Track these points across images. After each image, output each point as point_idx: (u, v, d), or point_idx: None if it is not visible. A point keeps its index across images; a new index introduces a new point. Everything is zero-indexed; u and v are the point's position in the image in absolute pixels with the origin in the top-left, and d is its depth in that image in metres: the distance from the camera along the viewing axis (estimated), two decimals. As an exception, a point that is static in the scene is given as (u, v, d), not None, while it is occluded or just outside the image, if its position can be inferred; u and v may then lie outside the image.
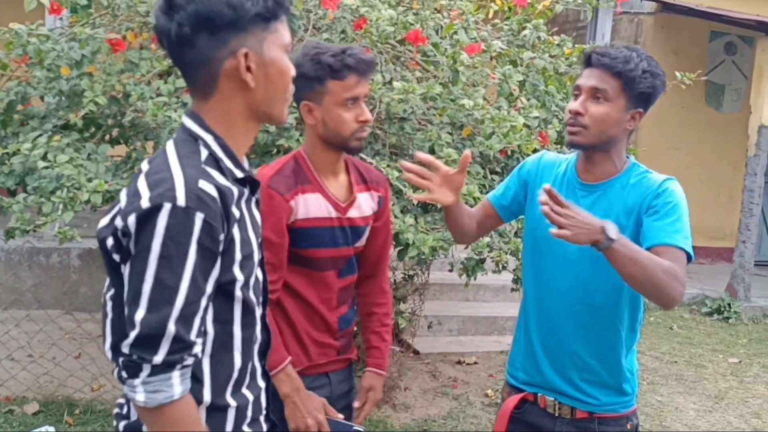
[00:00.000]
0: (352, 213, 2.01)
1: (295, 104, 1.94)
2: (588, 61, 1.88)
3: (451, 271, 3.54)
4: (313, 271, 1.98)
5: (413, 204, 3.09)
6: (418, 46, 3.25)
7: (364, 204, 2.04)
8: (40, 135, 3.06)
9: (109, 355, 1.28)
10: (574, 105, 1.87)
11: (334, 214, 1.97)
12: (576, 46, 3.92)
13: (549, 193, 1.69)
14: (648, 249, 1.75)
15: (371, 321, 2.15)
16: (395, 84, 3.12)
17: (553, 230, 1.70)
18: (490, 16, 3.87)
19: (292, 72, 1.34)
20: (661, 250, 1.74)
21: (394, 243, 3.12)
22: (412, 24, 3.20)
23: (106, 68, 3.15)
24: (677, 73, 3.84)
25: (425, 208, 3.23)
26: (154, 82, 3.20)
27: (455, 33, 3.30)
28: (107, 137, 3.40)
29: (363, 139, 1.95)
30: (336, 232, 1.97)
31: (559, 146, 3.66)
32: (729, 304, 6.85)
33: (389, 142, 3.34)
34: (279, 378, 1.90)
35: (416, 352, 4.95)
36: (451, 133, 3.35)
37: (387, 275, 2.20)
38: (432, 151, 3.26)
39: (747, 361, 5.66)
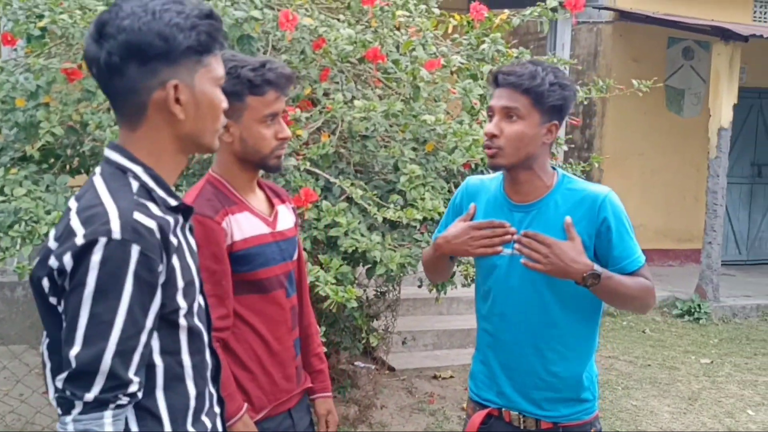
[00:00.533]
0: (280, 226, 1.94)
1: None
2: (496, 82, 1.89)
3: (420, 287, 3.54)
4: (263, 295, 1.89)
5: (380, 221, 3.08)
6: (378, 64, 3.26)
7: (286, 216, 1.99)
8: (-3, 168, 3.00)
9: (52, 399, 1.25)
10: (489, 127, 1.88)
11: (266, 229, 1.90)
12: (535, 57, 3.96)
13: (527, 236, 1.79)
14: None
15: (309, 343, 2.08)
16: (356, 102, 3.12)
17: (527, 261, 1.79)
18: (450, 31, 3.90)
19: (224, 105, 1.33)
20: (633, 277, 1.90)
21: (362, 261, 3.12)
22: (370, 42, 3.21)
23: (63, 98, 3.11)
24: (634, 81, 3.90)
25: (393, 225, 3.24)
26: (112, 110, 3.16)
27: (413, 50, 3.32)
28: (67, 167, 3.35)
29: (281, 157, 1.89)
30: (274, 248, 1.90)
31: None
32: (699, 305, 6.94)
33: (353, 160, 3.34)
34: (236, 427, 1.80)
35: (391, 369, 4.93)
36: (414, 149, 3.36)
37: (308, 291, 2.14)
38: (396, 168, 3.26)
39: (719, 361, 5.74)
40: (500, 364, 1.98)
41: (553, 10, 3.77)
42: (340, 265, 2.88)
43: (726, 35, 6.88)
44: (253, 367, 1.89)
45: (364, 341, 4.11)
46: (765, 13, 8.80)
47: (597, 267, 1.83)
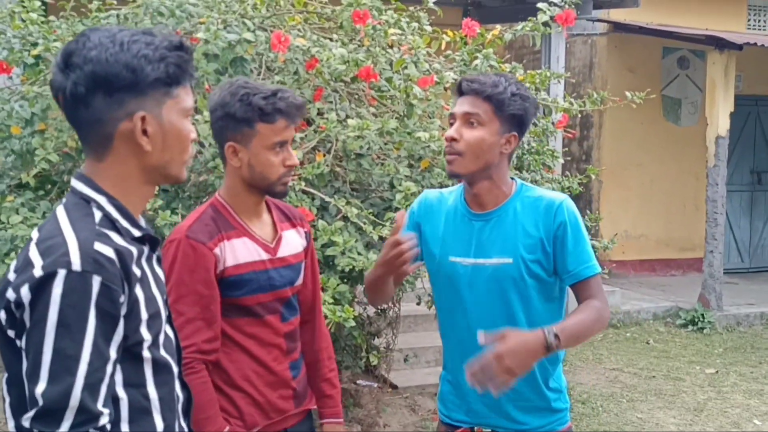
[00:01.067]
0: (282, 251, 1.95)
1: (218, 143, 1.91)
2: (460, 90, 1.93)
3: (418, 304, 3.53)
4: (254, 319, 1.90)
5: (376, 239, 3.08)
6: (371, 82, 3.27)
7: (293, 241, 1.99)
8: (-7, 196, 3.01)
9: None
10: (449, 131, 1.91)
11: (264, 255, 1.90)
12: (528, 72, 3.98)
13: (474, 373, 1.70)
14: (572, 285, 1.93)
15: (319, 368, 2.08)
16: (350, 121, 3.13)
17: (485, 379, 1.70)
18: (443, 47, 3.92)
19: (193, 135, 1.33)
20: (583, 285, 1.92)
21: (360, 280, 3.11)
22: (363, 61, 3.22)
23: (58, 125, 3.12)
24: (628, 93, 3.91)
25: (390, 242, 3.23)
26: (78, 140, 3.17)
27: (406, 67, 3.33)
28: (63, 194, 3.36)
29: (288, 184, 1.92)
30: (270, 275, 1.91)
31: (518, 171, 3.70)
32: (702, 315, 6.91)
33: (348, 179, 3.34)
34: None
35: (394, 387, 4.90)
36: (410, 166, 3.37)
37: (322, 316, 2.15)
38: (392, 185, 3.27)
39: (724, 371, 5.70)
40: (459, 384, 1.96)
41: (545, 24, 3.79)
42: (338, 285, 2.88)
43: (720, 44, 6.91)
44: (245, 386, 1.90)
45: (365, 360, 4.09)
46: (759, 21, 8.84)
47: (547, 328, 1.74)
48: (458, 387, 2.00)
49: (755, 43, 6.86)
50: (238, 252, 1.87)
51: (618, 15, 7.93)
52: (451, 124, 1.93)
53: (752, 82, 8.64)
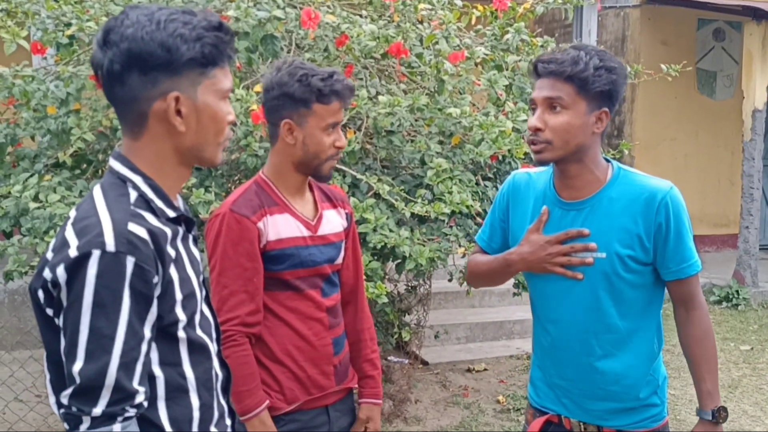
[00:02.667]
0: (323, 230, 1.98)
1: (270, 122, 1.93)
2: (536, 72, 1.76)
3: (450, 281, 3.53)
4: (295, 293, 1.93)
5: (408, 216, 3.08)
6: (401, 59, 3.26)
7: (333, 220, 2.02)
8: (31, 175, 3.07)
9: (55, 410, 1.25)
10: (531, 121, 1.77)
11: (306, 232, 1.94)
12: (560, 45, 3.92)
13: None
14: (669, 281, 1.83)
15: (361, 348, 2.09)
16: (380, 98, 3.12)
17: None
18: (473, 22, 3.88)
19: (230, 118, 1.32)
20: (682, 284, 1.83)
21: (392, 256, 3.12)
22: (393, 37, 3.20)
23: (93, 104, 3.17)
24: (663, 66, 3.83)
25: (421, 219, 3.23)
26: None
27: (437, 43, 3.31)
28: (99, 172, 3.41)
29: (333, 167, 1.95)
30: (311, 251, 1.94)
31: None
32: (737, 291, 6.81)
33: (379, 156, 3.34)
34: (252, 423, 1.84)
35: (425, 363, 4.93)
36: (441, 143, 3.35)
37: (365, 297, 2.16)
38: (423, 162, 3.26)
39: (759, 348, 5.62)
40: (557, 372, 1.88)
41: (578, -4, 3.73)
42: (370, 261, 2.89)
43: (758, 14, 6.72)
44: (286, 361, 1.93)
45: (396, 336, 4.12)
46: (798, -10, 8.57)
47: (712, 413, 1.83)
48: (547, 376, 1.91)
49: (794, 13, 6.66)
50: (280, 227, 1.90)
51: (651, -14, 7.75)
52: (533, 110, 1.77)
53: (791, 53, 8.40)
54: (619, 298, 1.79)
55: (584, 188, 1.80)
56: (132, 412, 1.19)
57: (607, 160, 1.85)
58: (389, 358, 4.63)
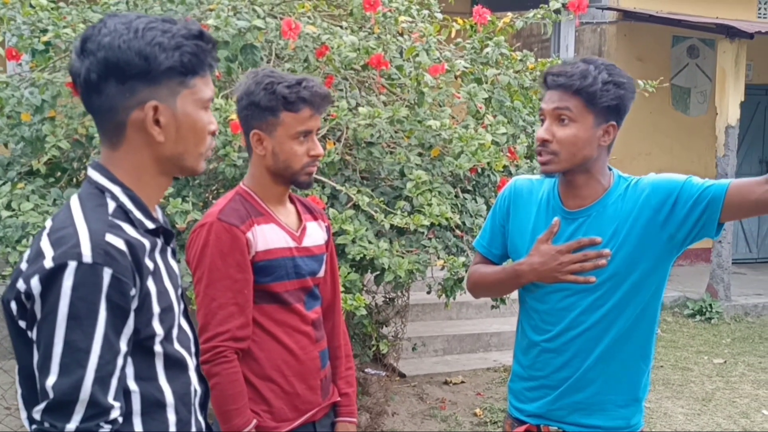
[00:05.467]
0: (307, 242, 1.94)
1: (244, 132, 1.90)
2: (546, 83, 1.78)
3: (428, 293, 3.53)
4: (281, 306, 1.89)
5: (387, 228, 3.07)
6: (381, 70, 3.26)
7: (316, 233, 1.98)
8: (4, 183, 3.02)
9: (27, 425, 1.22)
10: (540, 132, 1.78)
11: (292, 243, 1.90)
12: (539, 60, 3.95)
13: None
14: (728, 189, 1.72)
15: (337, 365, 2.05)
16: (360, 109, 3.12)
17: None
18: (453, 35, 3.89)
19: (212, 127, 1.30)
20: (729, 188, 1.72)
21: (370, 268, 3.11)
22: (374, 48, 3.20)
23: (68, 112, 3.12)
24: (640, 82, 3.88)
25: (400, 231, 3.23)
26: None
27: (417, 55, 3.31)
28: (74, 181, 3.36)
29: (312, 174, 1.91)
30: (297, 262, 1.90)
31: (528, 161, 3.68)
32: (710, 305, 6.89)
33: (359, 167, 3.33)
34: None
35: (402, 375, 4.91)
36: (420, 155, 3.35)
37: (341, 312, 2.13)
38: (402, 174, 3.25)
39: (732, 361, 5.69)
40: (549, 374, 1.87)
41: (556, 12, 3.76)
42: (348, 273, 2.87)
43: (731, 33, 6.85)
44: (275, 377, 1.89)
45: (374, 348, 4.10)
46: (770, 9, 8.75)
47: None
48: (533, 385, 1.90)
49: (766, 32, 6.79)
50: (267, 237, 1.86)
51: (627, 3, 7.87)
52: (542, 120, 1.79)
53: (762, 71, 8.57)
54: (617, 304, 1.79)
55: (588, 197, 1.82)
56: (107, 428, 1.16)
57: (610, 169, 1.86)
58: (366, 370, 4.60)
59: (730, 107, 6.91)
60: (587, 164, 1.78)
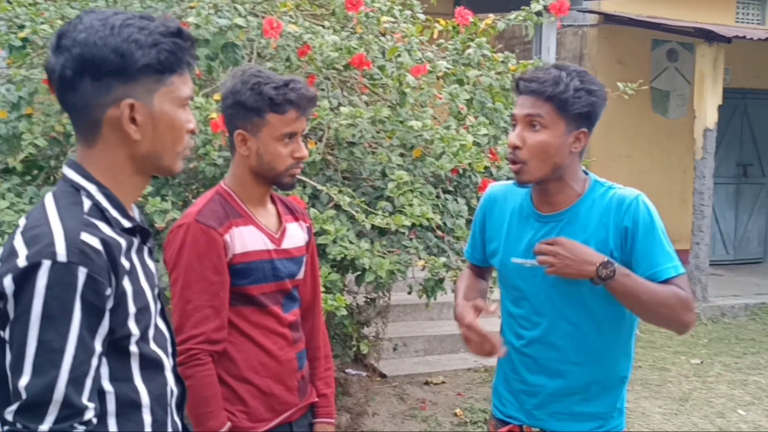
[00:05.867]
0: (286, 244, 1.92)
1: (228, 131, 1.88)
2: (518, 89, 1.79)
3: (409, 293, 3.52)
4: (258, 309, 1.88)
5: (368, 228, 3.07)
6: (364, 70, 3.25)
7: (296, 234, 1.97)
8: (-21, 181, 2.97)
9: None
10: (511, 137, 1.79)
11: (270, 245, 1.88)
12: (521, 62, 3.97)
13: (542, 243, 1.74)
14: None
15: (316, 366, 2.04)
16: (342, 109, 3.11)
17: (540, 259, 1.73)
18: (435, 36, 3.90)
19: (190, 126, 1.29)
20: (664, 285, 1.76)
21: (351, 268, 3.10)
22: (356, 48, 3.20)
23: (45, 109, 3.08)
24: (620, 84, 3.91)
25: (382, 231, 3.22)
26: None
27: (399, 55, 3.31)
28: (51, 179, 3.31)
29: (296, 176, 1.89)
30: (275, 265, 1.88)
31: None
32: (688, 306, 6.95)
33: (340, 167, 3.32)
34: None
35: (383, 376, 4.91)
36: (402, 155, 3.35)
37: (321, 313, 2.12)
38: (384, 174, 3.25)
39: (708, 361, 5.75)
40: (527, 379, 1.89)
41: (538, 14, 3.78)
42: (329, 273, 2.86)
43: (710, 37, 6.93)
44: (251, 378, 1.87)
45: (354, 348, 4.09)
46: (748, 14, 8.87)
47: (612, 262, 1.70)
48: (513, 384, 1.92)
49: (744, 36, 6.88)
50: (246, 239, 1.84)
51: (608, 6, 7.93)
52: (514, 126, 1.79)
53: (740, 75, 8.67)
54: (593, 310, 1.80)
55: (562, 202, 1.83)
56: (81, 428, 1.14)
57: (585, 173, 1.87)
58: (347, 370, 4.60)
59: (708, 110, 6.99)
60: (559, 171, 1.78)
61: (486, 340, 1.78)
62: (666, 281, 1.75)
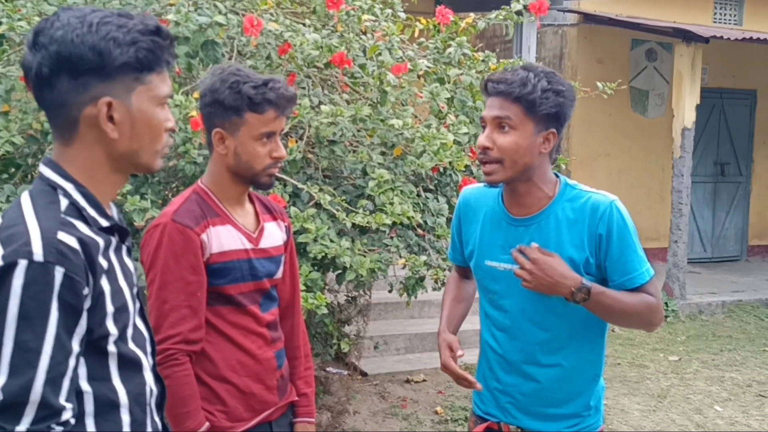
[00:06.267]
0: (264, 243, 1.92)
1: (206, 129, 1.88)
2: (486, 90, 1.80)
3: (390, 291, 3.53)
4: (235, 308, 1.87)
5: (349, 227, 3.07)
6: (344, 69, 3.25)
7: (274, 233, 1.96)
8: (-45, 179, 2.93)
9: None
10: (481, 139, 1.79)
11: (248, 245, 1.88)
12: (501, 61, 3.99)
13: (519, 251, 1.78)
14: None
15: (296, 366, 2.04)
16: (323, 108, 3.11)
17: (517, 272, 1.77)
18: (416, 35, 3.90)
19: (169, 124, 1.28)
20: (634, 292, 1.82)
21: (332, 267, 3.10)
22: (336, 47, 3.19)
23: (22, 106, 3.04)
24: (599, 84, 3.94)
25: (362, 230, 3.22)
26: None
27: (380, 54, 3.31)
28: (28, 177, 3.28)
29: (273, 175, 1.89)
30: (253, 264, 1.88)
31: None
32: (666, 303, 7.03)
33: (321, 165, 3.32)
34: None
35: (364, 374, 4.91)
36: (383, 154, 3.35)
37: (301, 313, 2.12)
38: (364, 173, 3.25)
39: (686, 358, 5.82)
40: (502, 378, 1.92)
41: (518, 13, 3.79)
42: (310, 272, 2.86)
43: (687, 37, 7.00)
44: (230, 377, 1.87)
45: (335, 347, 4.09)
46: (725, 14, 8.98)
47: (586, 281, 1.74)
48: (492, 382, 1.94)
49: (721, 37, 6.96)
50: (222, 239, 1.84)
51: (588, 6, 7.98)
52: (483, 127, 1.80)
53: (717, 74, 8.79)
54: (563, 314, 1.82)
55: (533, 205, 1.84)
56: (58, 429, 1.14)
57: (557, 175, 1.88)
58: (328, 369, 4.60)
59: (686, 110, 7.07)
60: (528, 172, 1.80)
61: (461, 379, 1.88)
62: (637, 288, 1.81)
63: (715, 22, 8.86)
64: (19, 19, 2.99)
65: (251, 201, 1.97)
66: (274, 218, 1.99)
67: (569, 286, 1.74)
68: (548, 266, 1.74)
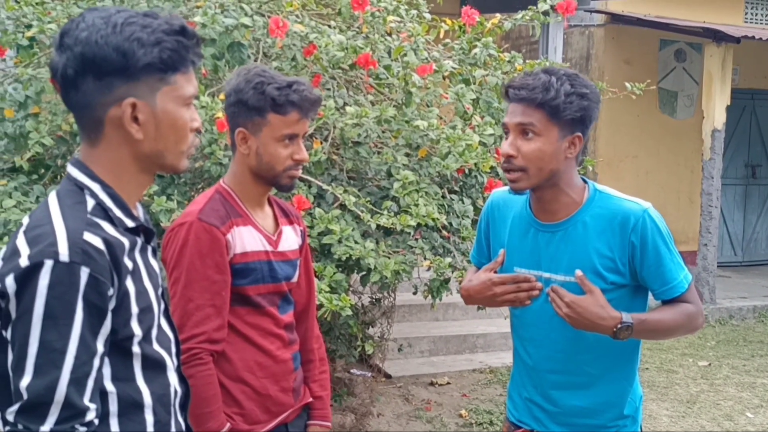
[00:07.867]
0: (282, 246, 1.93)
1: (230, 129, 1.88)
2: (507, 96, 1.76)
3: (415, 293, 3.52)
4: (254, 309, 1.88)
5: (373, 228, 3.06)
6: (369, 70, 3.24)
7: (291, 237, 1.97)
8: (-14, 180, 2.98)
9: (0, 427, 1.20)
10: (504, 147, 1.75)
11: (268, 247, 1.89)
12: (527, 61, 3.95)
13: (553, 290, 1.74)
14: (662, 302, 1.82)
15: (311, 369, 2.04)
16: (348, 109, 3.11)
17: (559, 313, 1.74)
18: (441, 36, 3.89)
19: (195, 125, 1.28)
20: (675, 301, 1.80)
21: (357, 268, 3.09)
22: (362, 48, 3.19)
23: (52, 108, 3.08)
24: (627, 84, 3.89)
25: (387, 231, 3.21)
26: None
27: (405, 55, 3.30)
28: (57, 178, 3.32)
29: (295, 178, 1.89)
30: (273, 266, 1.88)
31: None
32: (696, 307, 6.92)
33: (346, 167, 3.32)
34: None
35: (388, 376, 4.90)
36: (407, 155, 3.34)
37: (315, 316, 2.11)
38: (389, 174, 3.24)
39: (716, 364, 5.72)
40: (534, 388, 1.89)
41: (545, 13, 3.76)
42: (334, 273, 2.86)
43: (718, 37, 6.89)
44: (247, 378, 1.87)
45: (359, 349, 4.08)
46: (756, 14, 8.82)
47: (626, 316, 1.70)
48: (525, 391, 1.92)
49: (753, 37, 6.84)
50: (245, 240, 1.85)
51: (616, 6, 7.89)
52: (506, 134, 1.76)
53: (748, 75, 8.63)
54: (595, 335, 1.78)
55: (560, 211, 1.80)
56: (82, 429, 1.14)
57: (585, 181, 1.84)
58: (352, 371, 4.59)
59: (716, 111, 6.95)
60: (554, 178, 1.76)
61: (518, 281, 1.81)
62: (677, 298, 1.79)
63: (746, 21, 8.71)
64: (49, 22, 3.03)
65: (270, 204, 1.98)
66: (291, 222, 2.00)
67: (610, 326, 1.70)
68: (582, 308, 1.70)
